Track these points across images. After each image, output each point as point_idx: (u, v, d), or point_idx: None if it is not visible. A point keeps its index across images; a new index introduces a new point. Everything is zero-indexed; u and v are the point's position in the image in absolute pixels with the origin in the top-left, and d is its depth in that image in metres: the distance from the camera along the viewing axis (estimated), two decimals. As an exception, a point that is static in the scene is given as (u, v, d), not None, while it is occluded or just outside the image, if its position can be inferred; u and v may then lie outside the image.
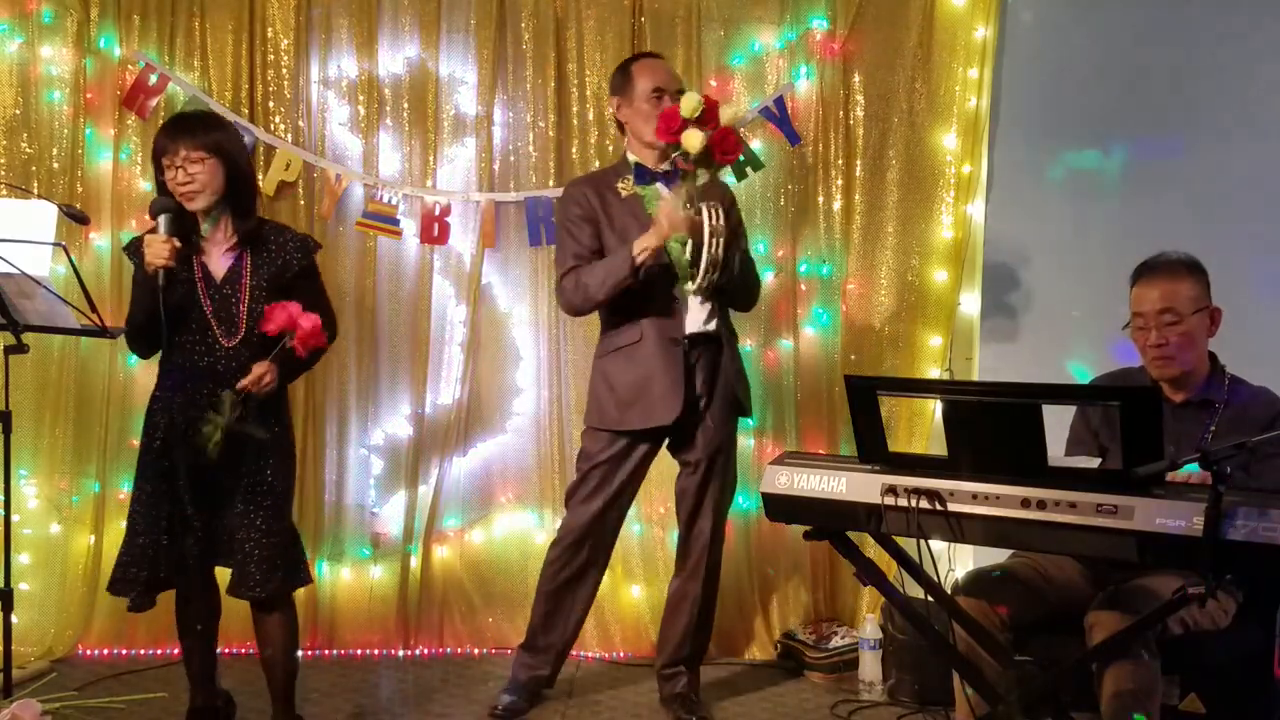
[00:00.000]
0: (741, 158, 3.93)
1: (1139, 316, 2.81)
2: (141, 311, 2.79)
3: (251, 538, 2.80)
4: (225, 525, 2.83)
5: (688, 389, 3.25)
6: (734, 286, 3.28)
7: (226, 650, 3.80)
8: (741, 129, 3.95)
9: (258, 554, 2.80)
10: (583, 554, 3.35)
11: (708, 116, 3.04)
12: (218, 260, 2.86)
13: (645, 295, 3.22)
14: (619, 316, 3.30)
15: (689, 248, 3.19)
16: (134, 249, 2.87)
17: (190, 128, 2.81)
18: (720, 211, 3.12)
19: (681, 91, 3.28)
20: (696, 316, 3.28)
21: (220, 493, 2.82)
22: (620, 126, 3.43)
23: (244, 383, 2.75)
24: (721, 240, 3.09)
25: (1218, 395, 2.81)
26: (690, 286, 3.21)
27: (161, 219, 2.73)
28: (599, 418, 3.34)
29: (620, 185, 3.33)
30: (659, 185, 3.31)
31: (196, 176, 2.77)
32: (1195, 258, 2.83)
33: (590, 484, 3.33)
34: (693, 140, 3.02)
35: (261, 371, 2.76)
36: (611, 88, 3.43)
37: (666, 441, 3.37)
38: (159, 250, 2.70)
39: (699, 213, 3.10)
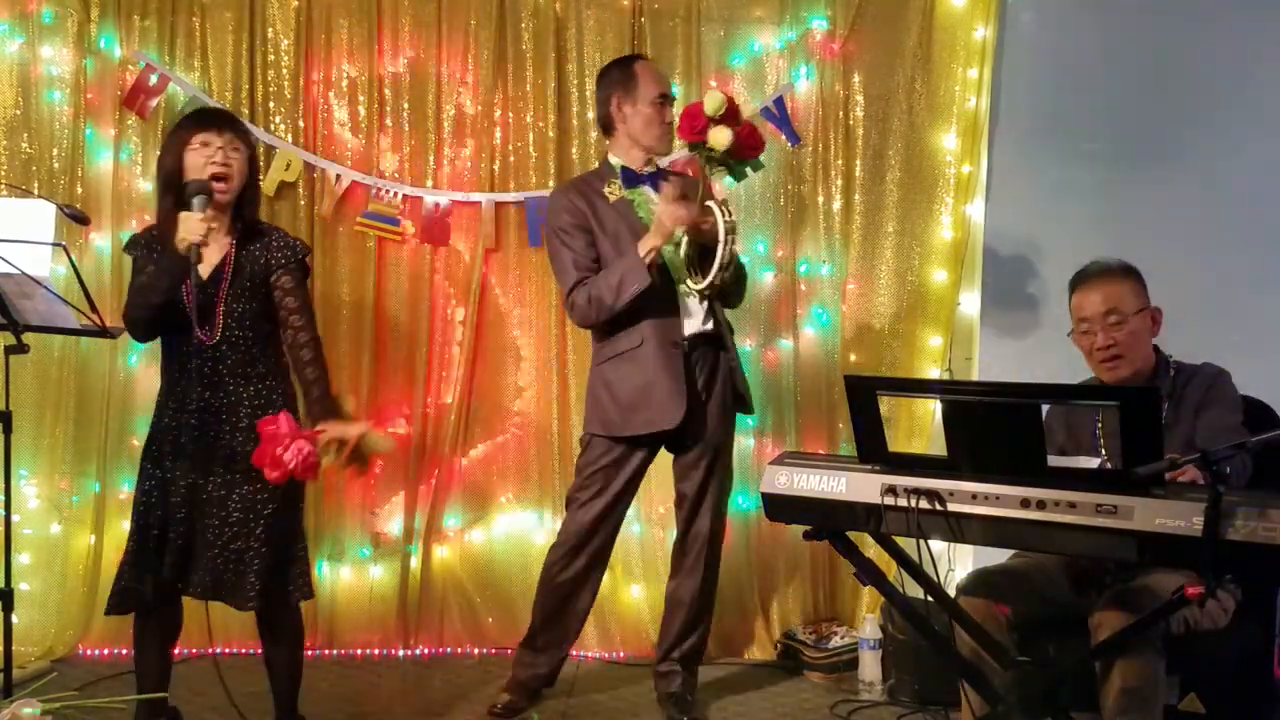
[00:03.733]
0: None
1: (1083, 321, 2.85)
2: (159, 294, 2.77)
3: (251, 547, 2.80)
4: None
5: (689, 391, 3.24)
6: (730, 285, 3.27)
7: (226, 650, 3.80)
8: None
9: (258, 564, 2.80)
10: (581, 558, 3.34)
11: (730, 113, 3.03)
12: (211, 255, 2.84)
13: (644, 299, 3.18)
14: (618, 322, 3.24)
15: (684, 246, 3.19)
16: (135, 245, 2.92)
17: (233, 121, 2.93)
18: (730, 209, 3.11)
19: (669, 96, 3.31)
20: (695, 318, 3.28)
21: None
22: (607, 126, 3.37)
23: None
24: (735, 238, 3.09)
25: (1164, 387, 2.82)
26: (693, 286, 3.20)
27: (197, 199, 2.75)
28: (601, 424, 3.30)
29: (607, 190, 3.31)
30: (645, 188, 3.30)
31: (234, 163, 2.83)
32: (1129, 263, 2.85)
33: (591, 489, 3.31)
34: (721, 137, 3.01)
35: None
36: (610, 84, 3.35)
37: (664, 443, 3.36)
38: (195, 227, 2.70)
39: (709, 211, 3.09)
